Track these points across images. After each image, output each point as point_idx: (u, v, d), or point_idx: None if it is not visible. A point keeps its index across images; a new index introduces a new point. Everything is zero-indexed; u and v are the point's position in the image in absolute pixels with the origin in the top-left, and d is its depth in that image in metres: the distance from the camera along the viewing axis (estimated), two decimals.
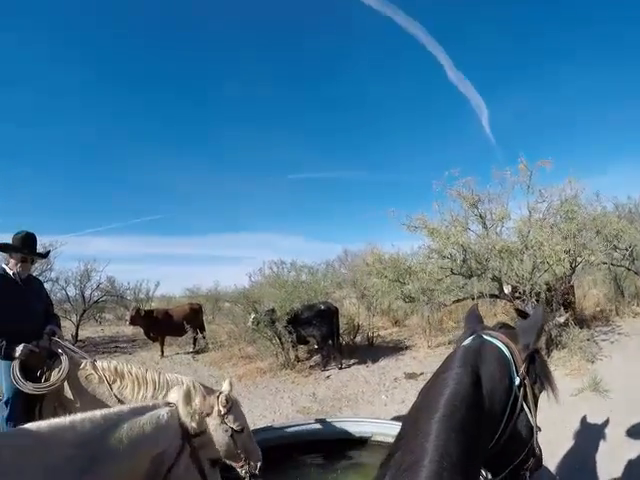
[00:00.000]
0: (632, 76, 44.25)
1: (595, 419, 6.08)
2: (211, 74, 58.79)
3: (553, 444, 5.41)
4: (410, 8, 48.32)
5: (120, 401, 3.57)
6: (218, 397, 3.61)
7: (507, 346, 1.59)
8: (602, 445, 5.41)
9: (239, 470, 3.61)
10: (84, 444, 2.24)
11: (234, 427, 3.54)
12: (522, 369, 1.54)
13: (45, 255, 4.82)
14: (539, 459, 1.66)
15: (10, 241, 4.27)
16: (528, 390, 1.56)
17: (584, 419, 6.10)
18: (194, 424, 2.72)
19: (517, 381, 1.51)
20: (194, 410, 2.77)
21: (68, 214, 58.82)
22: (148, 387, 3.67)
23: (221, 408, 3.52)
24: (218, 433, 3.51)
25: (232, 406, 3.61)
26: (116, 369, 3.75)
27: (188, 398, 2.74)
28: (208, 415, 3.51)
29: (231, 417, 3.56)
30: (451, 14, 53.70)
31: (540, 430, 1.63)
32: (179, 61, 58.04)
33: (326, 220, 67.71)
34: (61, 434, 2.23)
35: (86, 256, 20.48)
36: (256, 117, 65.65)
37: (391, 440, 4.13)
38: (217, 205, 69.60)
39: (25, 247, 4.26)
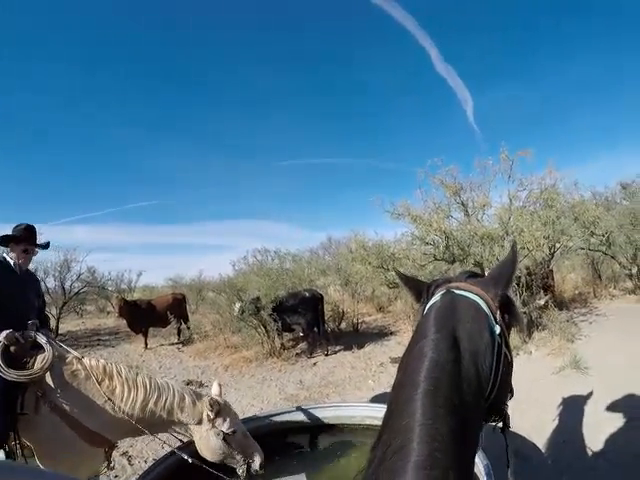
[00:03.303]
0: (611, 70, 45.43)
1: (577, 395, 6.30)
2: (200, 57, 58.73)
3: (538, 420, 5.57)
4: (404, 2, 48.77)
5: (109, 399, 3.50)
6: (205, 402, 3.66)
7: (480, 296, 1.48)
8: (585, 420, 5.59)
9: (238, 470, 3.64)
10: None
11: (224, 430, 3.58)
12: (498, 316, 1.45)
13: (46, 246, 4.50)
14: (512, 390, 1.59)
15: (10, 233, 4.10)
16: (505, 332, 1.47)
17: (566, 396, 6.32)
18: None
19: (498, 330, 1.41)
20: None
21: (45, 202, 58.20)
22: (139, 391, 3.57)
23: (208, 413, 3.57)
24: (210, 437, 3.57)
25: (220, 409, 3.65)
26: (105, 369, 3.64)
27: None
28: (199, 422, 3.60)
29: (219, 420, 3.61)
30: (441, 8, 54.26)
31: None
32: (173, 44, 58.11)
33: (311, 208, 67.95)
34: None
35: (65, 246, 20.03)
36: (246, 102, 65.82)
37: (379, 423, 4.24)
38: (200, 193, 69.57)
39: (27, 239, 4.12)
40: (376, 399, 6.90)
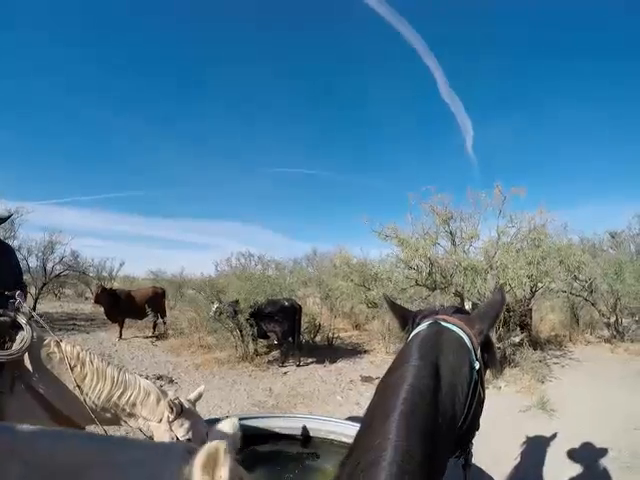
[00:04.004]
0: (613, 117, 46.12)
1: (540, 436, 6.33)
2: (203, 57, 58.94)
3: (499, 455, 5.56)
4: (414, 21, 49.05)
5: (78, 386, 3.48)
6: (169, 402, 3.62)
7: (465, 331, 1.52)
8: (545, 461, 5.64)
9: None
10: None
11: (178, 435, 3.48)
12: (479, 354, 1.50)
13: (4, 219, 4.47)
14: (479, 425, 1.61)
15: None
16: (482, 370, 1.51)
17: (530, 435, 6.34)
18: None
19: (477, 366, 1.45)
20: None
21: (38, 180, 57.81)
22: (106, 383, 3.54)
23: (168, 414, 3.49)
24: (163, 439, 3.47)
25: (181, 412, 3.56)
26: (78, 355, 3.61)
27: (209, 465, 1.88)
28: (160, 421, 3.52)
29: (176, 423, 3.51)
30: (453, 33, 54.83)
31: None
32: (174, 41, 58.24)
33: (299, 218, 67.90)
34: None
35: (52, 227, 19.97)
36: (247, 107, 65.74)
37: (347, 440, 4.17)
38: (193, 190, 69.41)
39: None
40: (343, 415, 6.88)
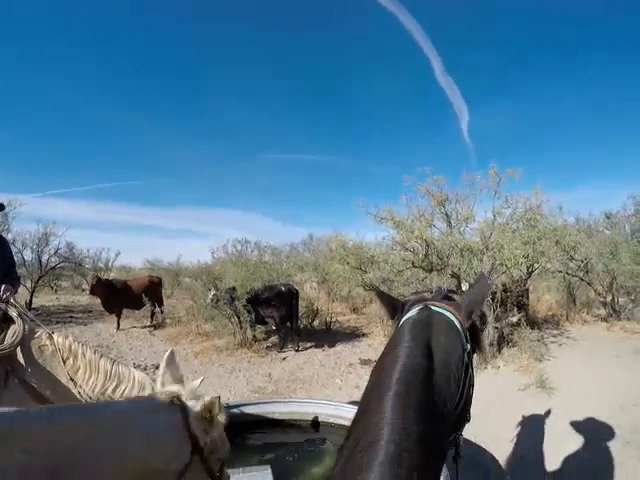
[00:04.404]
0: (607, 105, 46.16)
1: (539, 414, 6.39)
2: (203, 57, 58.78)
3: (499, 432, 5.64)
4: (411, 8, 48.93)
5: (72, 379, 3.41)
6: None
7: (453, 315, 1.55)
8: (544, 438, 5.69)
9: None
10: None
11: None
12: (468, 336, 1.54)
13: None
14: (469, 416, 1.62)
15: None
16: (471, 354, 1.55)
17: (529, 413, 6.40)
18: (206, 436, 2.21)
19: (468, 348, 1.48)
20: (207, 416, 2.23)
21: (30, 172, 57.64)
22: (99, 375, 3.45)
23: None
24: None
25: None
26: (70, 347, 3.53)
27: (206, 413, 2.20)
28: None
29: None
30: (449, 20, 54.78)
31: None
32: (174, 41, 58.16)
33: (296, 203, 68.25)
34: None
35: (46, 218, 19.90)
36: (247, 101, 65.66)
37: (347, 423, 4.19)
38: (192, 178, 69.35)
39: None
40: (342, 398, 6.90)
